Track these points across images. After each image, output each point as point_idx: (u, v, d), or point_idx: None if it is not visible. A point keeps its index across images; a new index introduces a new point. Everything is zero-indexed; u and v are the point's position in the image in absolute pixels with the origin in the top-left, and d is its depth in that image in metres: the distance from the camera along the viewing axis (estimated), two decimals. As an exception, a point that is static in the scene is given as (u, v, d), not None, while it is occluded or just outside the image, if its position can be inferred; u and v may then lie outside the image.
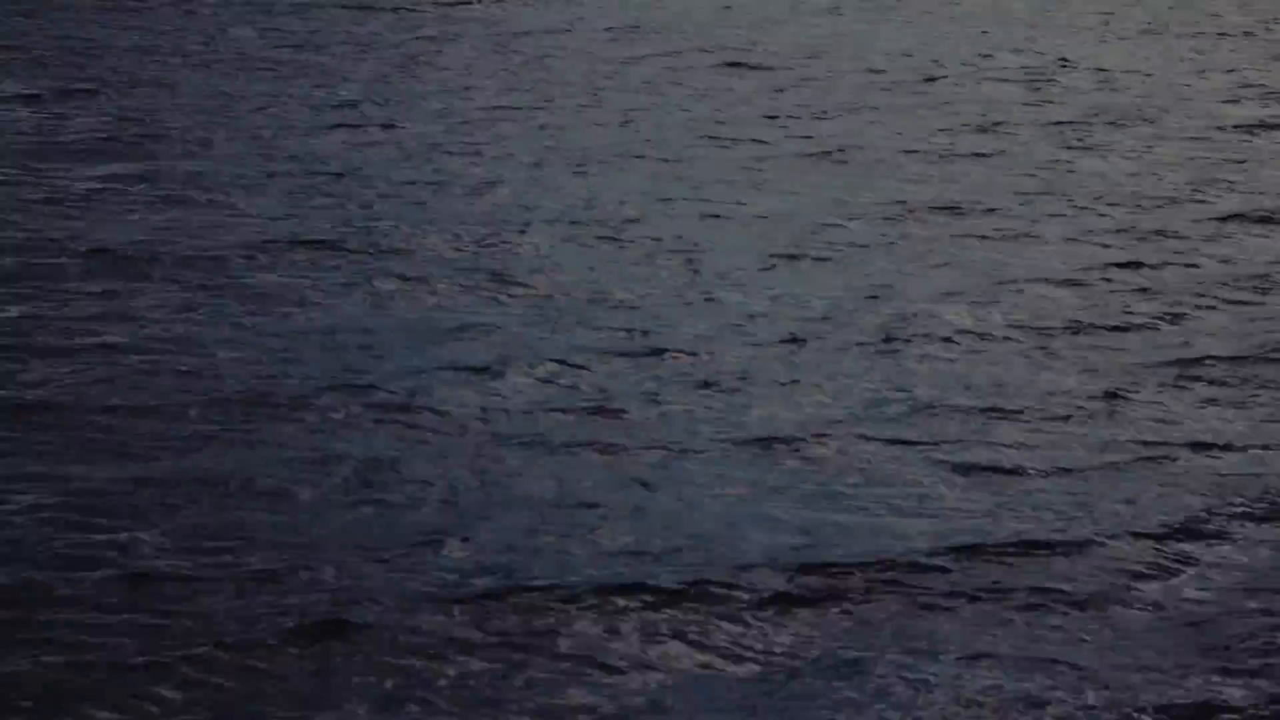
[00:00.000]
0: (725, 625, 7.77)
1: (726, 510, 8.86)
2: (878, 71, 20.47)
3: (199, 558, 8.11)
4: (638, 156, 16.04)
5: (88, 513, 8.49)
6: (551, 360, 10.77)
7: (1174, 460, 9.75)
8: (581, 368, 10.73)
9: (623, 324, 11.53)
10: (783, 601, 7.96)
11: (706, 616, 7.82)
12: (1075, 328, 11.83)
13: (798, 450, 9.62)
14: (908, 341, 11.41)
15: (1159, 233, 14.18)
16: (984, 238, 13.89)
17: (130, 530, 8.33)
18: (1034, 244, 13.78)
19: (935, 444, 9.77)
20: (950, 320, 11.84)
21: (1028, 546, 8.60)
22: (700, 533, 8.60)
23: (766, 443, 9.68)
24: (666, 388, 10.45)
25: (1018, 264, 13.22)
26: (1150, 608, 8.12)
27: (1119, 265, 13.25)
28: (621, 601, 7.88)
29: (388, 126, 16.78)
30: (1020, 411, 10.30)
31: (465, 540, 8.38)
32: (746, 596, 7.98)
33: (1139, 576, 8.39)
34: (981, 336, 11.59)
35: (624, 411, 10.05)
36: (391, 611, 7.68)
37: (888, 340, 11.41)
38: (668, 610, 7.85)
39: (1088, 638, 7.81)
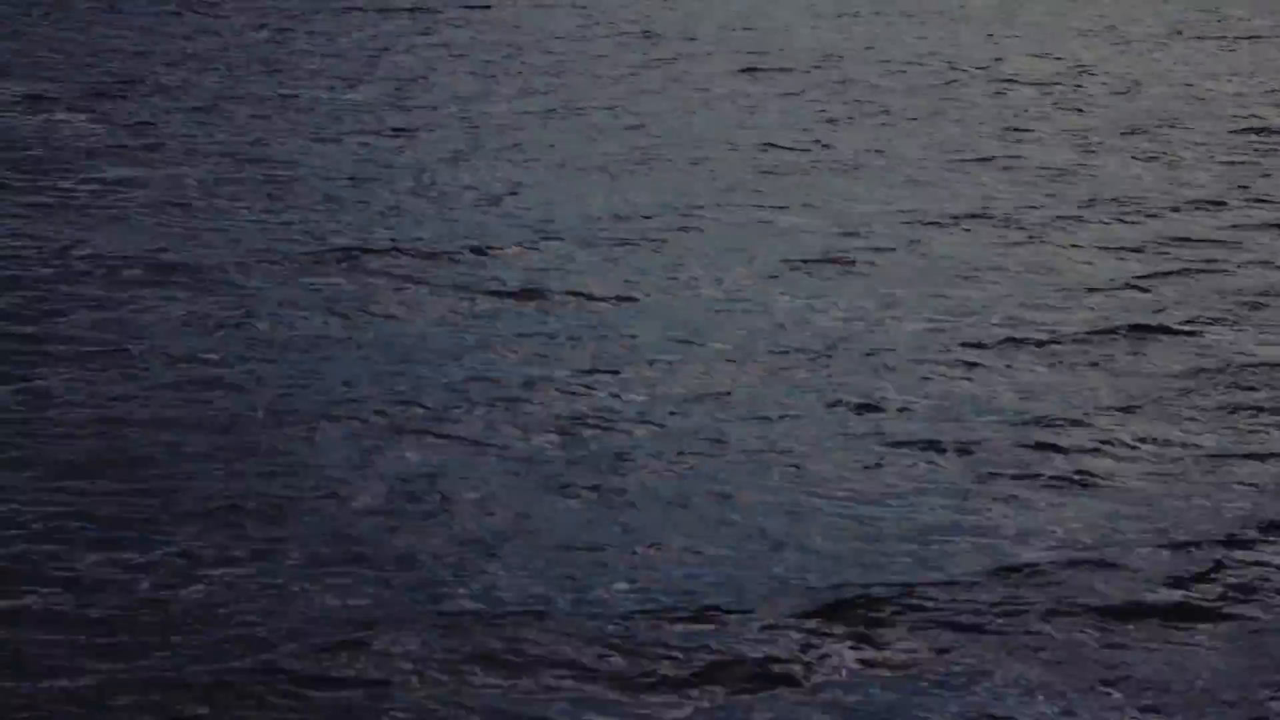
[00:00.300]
0: (760, 643, 7.64)
1: (760, 523, 8.75)
2: (894, 75, 20.40)
3: (222, 576, 7.99)
4: (656, 163, 15.97)
5: (107, 528, 8.36)
6: (579, 370, 10.68)
7: (1209, 471, 9.65)
8: (612, 372, 10.64)
9: (648, 332, 11.44)
10: (817, 618, 7.84)
11: (740, 634, 7.70)
12: (1102, 336, 11.74)
13: (828, 461, 9.51)
14: (934, 350, 11.30)
15: (1184, 239, 14.12)
16: (1007, 244, 13.80)
17: (149, 548, 8.20)
18: (1058, 251, 13.70)
19: (965, 455, 9.67)
20: (976, 329, 11.75)
21: (1063, 561, 8.48)
22: (734, 546, 8.49)
23: (797, 454, 9.58)
24: (694, 397, 10.35)
25: (1042, 271, 13.13)
26: (1193, 622, 8.00)
27: (1145, 273, 13.16)
28: (653, 620, 7.76)
29: (405, 132, 16.70)
30: (1050, 420, 10.19)
31: (495, 557, 8.27)
32: (780, 613, 7.86)
33: (1179, 590, 8.27)
34: (1008, 345, 11.49)
35: (652, 422, 9.94)
36: (420, 630, 7.57)
37: (914, 349, 11.30)
38: (700, 627, 7.73)
39: (1132, 654, 7.68)
